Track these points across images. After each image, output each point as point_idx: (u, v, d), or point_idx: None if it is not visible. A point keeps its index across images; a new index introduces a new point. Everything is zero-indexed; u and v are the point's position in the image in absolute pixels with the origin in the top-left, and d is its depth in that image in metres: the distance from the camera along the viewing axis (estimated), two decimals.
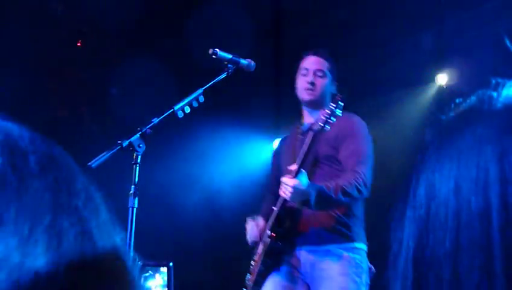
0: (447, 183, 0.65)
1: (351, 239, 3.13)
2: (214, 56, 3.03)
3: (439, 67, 5.21)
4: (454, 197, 0.64)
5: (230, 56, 3.12)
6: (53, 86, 7.69)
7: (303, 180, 2.96)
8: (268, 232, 3.12)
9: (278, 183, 3.18)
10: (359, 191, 3.02)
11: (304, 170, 2.99)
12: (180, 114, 2.80)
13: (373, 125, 3.51)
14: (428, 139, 0.71)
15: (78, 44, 8.32)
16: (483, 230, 0.60)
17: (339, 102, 3.06)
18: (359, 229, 3.20)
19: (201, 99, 2.90)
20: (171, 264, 2.01)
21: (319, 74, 3.43)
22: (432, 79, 5.26)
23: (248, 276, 3.22)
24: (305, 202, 3.00)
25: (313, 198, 2.95)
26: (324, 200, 2.98)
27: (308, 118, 3.47)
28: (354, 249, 3.14)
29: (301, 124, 3.51)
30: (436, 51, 5.26)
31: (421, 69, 5.28)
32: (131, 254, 2.54)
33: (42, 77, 7.56)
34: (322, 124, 3.02)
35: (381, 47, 5.47)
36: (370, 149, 3.23)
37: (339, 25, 5.77)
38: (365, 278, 3.12)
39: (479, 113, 0.68)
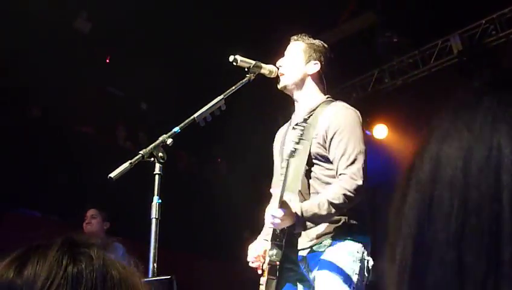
0: (455, 162, 0.59)
1: (342, 233, 3.03)
2: (234, 63, 2.99)
3: None
4: (463, 177, 0.58)
5: (252, 62, 3.07)
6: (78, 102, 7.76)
7: (287, 208, 2.86)
8: (268, 256, 3.04)
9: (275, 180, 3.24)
10: (349, 198, 2.91)
11: (287, 196, 2.89)
12: (202, 123, 2.76)
13: None
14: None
15: (107, 61, 8.45)
16: (493, 214, 0.54)
17: (305, 121, 2.98)
18: (354, 221, 3.07)
19: (224, 107, 2.86)
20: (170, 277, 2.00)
21: (288, 57, 3.28)
22: None
23: None
24: (294, 226, 2.95)
25: (300, 222, 2.90)
26: (313, 219, 2.91)
27: (296, 105, 3.33)
28: (346, 242, 3.03)
29: (294, 113, 3.38)
30: None
31: None
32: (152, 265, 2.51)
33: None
34: (291, 151, 2.91)
35: None
36: (359, 142, 3.06)
37: None
38: (361, 270, 3.02)
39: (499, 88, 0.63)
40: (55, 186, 7.07)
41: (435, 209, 0.59)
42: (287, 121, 3.48)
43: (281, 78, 3.24)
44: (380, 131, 7.95)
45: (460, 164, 0.59)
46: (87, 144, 7.87)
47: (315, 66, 3.26)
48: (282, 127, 3.51)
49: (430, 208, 0.59)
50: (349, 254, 3.01)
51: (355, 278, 2.99)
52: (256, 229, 3.47)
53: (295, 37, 3.33)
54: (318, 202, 2.91)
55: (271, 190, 3.02)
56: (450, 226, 0.57)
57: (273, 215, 2.86)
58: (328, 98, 3.28)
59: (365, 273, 3.06)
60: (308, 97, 3.26)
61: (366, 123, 8.23)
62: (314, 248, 3.06)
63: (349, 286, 2.96)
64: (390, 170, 7.37)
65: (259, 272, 3.16)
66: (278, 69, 3.23)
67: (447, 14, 7.27)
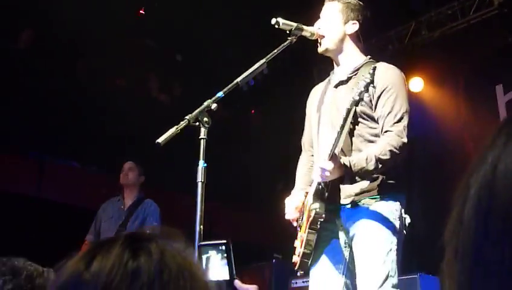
0: (510, 186, 0.60)
1: (381, 190, 3.08)
2: (276, 26, 2.99)
3: None
4: None
5: (294, 25, 3.07)
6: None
7: (336, 161, 2.94)
8: (313, 209, 3.09)
9: (310, 138, 3.33)
10: (395, 154, 2.98)
11: (337, 150, 2.95)
12: (245, 87, 2.79)
13: None
14: None
15: (141, 11, 8.43)
16: None
17: (370, 72, 2.98)
18: (392, 180, 3.12)
19: (266, 71, 2.88)
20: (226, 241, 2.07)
21: (325, 18, 3.27)
22: None
23: (296, 252, 3.20)
24: (340, 179, 3.03)
25: (348, 176, 3.00)
26: (361, 173, 3.00)
27: (336, 67, 3.35)
28: (385, 201, 3.08)
29: (333, 72, 3.39)
30: None
31: None
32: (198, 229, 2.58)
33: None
34: (355, 100, 2.94)
35: None
36: (405, 103, 3.11)
37: None
38: (399, 228, 3.08)
39: None
40: (94, 138, 7.20)
41: (489, 240, 0.59)
42: (321, 75, 3.50)
43: (321, 41, 3.26)
44: (416, 84, 7.84)
45: None
46: (123, 96, 7.95)
47: (354, 26, 3.28)
48: (317, 86, 3.53)
49: (485, 238, 0.60)
50: (389, 213, 3.06)
51: (396, 236, 3.05)
52: (290, 181, 3.53)
53: None
54: (366, 157, 2.98)
55: (315, 145, 3.06)
56: (505, 260, 0.57)
57: (322, 167, 2.93)
58: (370, 58, 3.30)
59: (403, 230, 3.13)
60: (349, 57, 3.27)
61: None
62: (353, 205, 3.11)
63: (391, 243, 3.02)
64: (426, 123, 7.33)
65: (295, 224, 3.22)
66: (318, 31, 3.23)
67: None
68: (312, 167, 3.36)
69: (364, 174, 3.00)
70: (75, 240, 5.51)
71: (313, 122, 3.37)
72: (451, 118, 7.54)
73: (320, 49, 3.28)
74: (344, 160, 2.98)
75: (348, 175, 3.00)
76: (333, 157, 2.93)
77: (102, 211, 5.75)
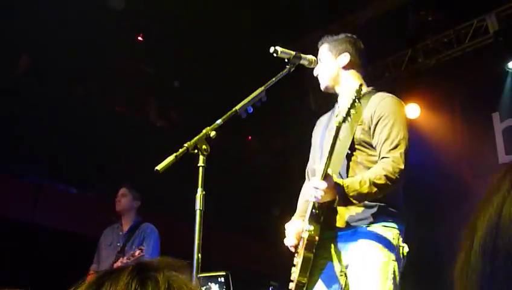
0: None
1: (378, 218, 3.06)
2: (275, 54, 3.01)
3: None
4: None
5: (292, 53, 3.09)
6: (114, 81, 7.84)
7: (329, 181, 2.93)
8: (306, 230, 3.07)
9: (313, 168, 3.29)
10: (390, 180, 2.95)
11: (330, 170, 2.95)
12: (243, 114, 2.80)
13: None
14: None
15: (140, 38, 8.48)
16: None
17: (358, 91, 2.98)
18: (390, 208, 3.10)
19: (264, 98, 2.89)
20: (226, 273, 2.05)
21: (320, 61, 3.38)
22: None
23: (292, 278, 3.17)
24: (334, 202, 2.99)
25: (341, 197, 2.94)
26: (354, 196, 2.95)
27: (339, 99, 3.40)
28: (382, 228, 3.06)
29: (337, 103, 3.45)
30: None
31: None
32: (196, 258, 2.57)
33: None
34: (342, 117, 2.95)
35: None
36: (402, 129, 3.10)
37: None
38: (395, 256, 3.04)
39: None
40: (92, 164, 7.20)
41: (495, 280, 0.60)
42: (318, 103, 3.55)
43: (320, 82, 3.38)
44: (413, 110, 7.89)
45: None
46: (121, 122, 7.97)
47: (345, 58, 3.35)
48: (322, 116, 3.57)
49: (492, 278, 0.61)
50: (386, 242, 3.03)
51: (392, 265, 3.02)
52: (287, 207, 3.52)
53: (319, 43, 3.44)
54: (360, 180, 2.96)
55: (314, 166, 3.07)
56: None
57: (315, 187, 2.92)
58: (372, 88, 3.33)
59: (401, 259, 3.10)
60: (348, 88, 3.29)
61: None
62: (350, 232, 3.09)
63: (387, 273, 2.99)
64: (422, 150, 7.35)
65: (293, 250, 3.20)
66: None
67: None
68: None
69: (358, 197, 2.97)
70: (72, 267, 5.48)
71: (316, 152, 3.39)
72: (448, 145, 7.57)
73: (322, 88, 3.39)
74: (338, 180, 2.97)
75: (341, 197, 2.95)
76: (326, 177, 2.92)
77: (104, 238, 5.74)
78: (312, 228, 3.05)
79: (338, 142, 3.07)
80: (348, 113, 2.95)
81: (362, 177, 2.98)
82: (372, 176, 2.97)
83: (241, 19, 7.24)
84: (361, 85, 3.05)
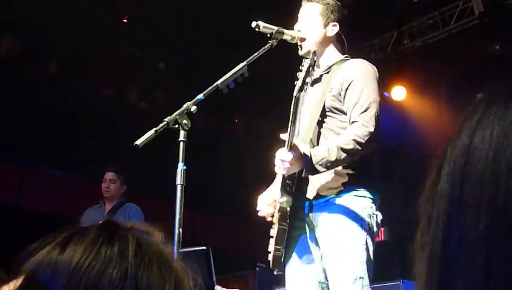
0: (487, 151, 0.60)
1: (349, 187, 3.01)
2: (256, 29, 2.99)
3: None
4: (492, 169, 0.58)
5: (275, 28, 3.07)
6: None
7: (296, 151, 2.88)
8: (278, 202, 3.02)
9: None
10: (360, 144, 2.90)
11: (297, 140, 2.91)
12: (225, 90, 2.78)
13: None
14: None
15: (124, 20, 8.40)
16: None
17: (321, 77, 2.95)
18: (361, 176, 3.06)
19: (246, 74, 2.87)
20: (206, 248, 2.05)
21: (305, 21, 3.24)
22: None
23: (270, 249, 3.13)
24: (303, 171, 2.94)
25: (309, 166, 2.88)
26: (323, 164, 2.89)
27: (316, 68, 3.26)
28: (353, 197, 3.01)
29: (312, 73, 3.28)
30: None
31: None
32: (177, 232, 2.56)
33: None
34: (299, 86, 2.92)
35: None
36: (373, 92, 3.05)
37: None
38: (368, 226, 2.99)
39: None
40: (75, 146, 7.15)
41: (464, 205, 0.59)
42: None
43: (302, 44, 3.23)
44: (399, 93, 7.90)
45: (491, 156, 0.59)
46: (105, 104, 7.91)
47: (334, 28, 3.26)
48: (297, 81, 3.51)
49: (460, 202, 0.59)
50: (358, 209, 2.98)
51: (365, 234, 2.96)
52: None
53: None
54: (328, 147, 2.91)
55: (281, 135, 2.99)
56: (479, 224, 0.57)
57: (282, 159, 2.88)
58: (346, 56, 3.29)
59: (374, 227, 3.04)
60: (327, 57, 3.27)
61: (385, 85, 8.16)
62: (321, 201, 3.05)
63: (359, 243, 2.94)
64: (408, 131, 7.38)
65: (268, 220, 3.16)
66: (298, 32, 3.22)
67: None
68: None
69: (327, 164, 2.90)
70: None
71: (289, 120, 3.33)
72: (434, 126, 7.59)
73: (301, 52, 3.23)
74: (304, 149, 2.90)
75: (309, 167, 2.89)
76: (292, 147, 2.87)
77: (85, 217, 5.70)
78: (284, 199, 3.01)
79: (309, 108, 3.05)
80: (304, 82, 2.93)
81: (330, 144, 2.94)
82: (340, 141, 2.91)
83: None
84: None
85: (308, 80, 3.08)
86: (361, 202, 3.00)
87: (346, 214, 2.97)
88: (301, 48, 3.22)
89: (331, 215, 3.00)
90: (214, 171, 8.03)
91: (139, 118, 7.66)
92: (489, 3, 7.19)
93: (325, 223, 3.01)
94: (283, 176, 3.03)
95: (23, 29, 7.29)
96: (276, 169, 3.02)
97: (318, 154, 2.89)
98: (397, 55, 7.96)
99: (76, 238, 0.84)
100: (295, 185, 3.03)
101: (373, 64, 3.27)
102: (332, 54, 3.27)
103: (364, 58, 3.35)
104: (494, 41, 7.12)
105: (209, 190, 7.87)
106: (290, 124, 2.91)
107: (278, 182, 3.20)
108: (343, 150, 2.88)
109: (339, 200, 3.01)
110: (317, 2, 3.26)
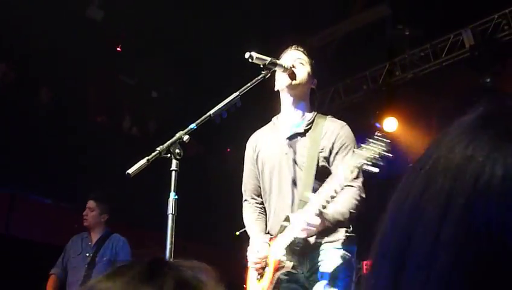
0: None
1: (344, 243, 3.21)
2: (250, 60, 3.00)
3: None
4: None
5: (268, 59, 3.08)
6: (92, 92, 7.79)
7: (322, 219, 3.05)
8: (288, 264, 3.17)
9: (257, 187, 3.41)
10: (357, 208, 3.15)
11: (321, 207, 3.04)
12: (217, 119, 2.78)
13: None
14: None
15: (118, 49, 8.45)
16: None
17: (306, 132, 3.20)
18: (353, 233, 3.27)
19: (239, 104, 2.87)
20: None
21: (303, 63, 3.35)
22: None
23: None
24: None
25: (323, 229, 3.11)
26: (332, 224, 3.13)
27: (285, 113, 3.42)
28: (344, 252, 3.20)
29: (277, 117, 3.49)
30: None
31: None
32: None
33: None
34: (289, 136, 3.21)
35: None
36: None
37: None
38: (351, 273, 3.24)
39: None
40: (65, 174, 7.10)
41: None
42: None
43: (297, 74, 3.29)
44: (390, 124, 7.94)
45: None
46: (98, 132, 7.89)
47: (315, 81, 3.45)
48: (260, 131, 3.59)
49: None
50: (346, 263, 3.18)
51: (346, 282, 3.17)
52: None
53: (301, 49, 3.43)
54: (342, 212, 3.13)
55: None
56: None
57: (310, 223, 3.01)
58: (317, 113, 3.43)
59: (353, 275, 3.28)
60: (304, 108, 3.38)
61: (376, 116, 8.21)
62: (315, 252, 3.19)
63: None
64: (399, 163, 7.38)
65: (258, 273, 3.22)
66: (293, 66, 3.25)
67: (459, 7, 7.23)
68: (260, 214, 3.42)
69: (333, 224, 3.14)
70: (46, 278, 5.40)
71: (265, 171, 3.39)
72: None
73: (294, 81, 3.28)
74: (326, 215, 3.07)
75: (323, 229, 3.11)
76: (320, 214, 3.01)
77: (71, 244, 5.60)
78: (294, 260, 3.16)
79: (298, 168, 3.26)
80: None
81: (342, 210, 3.12)
82: (348, 206, 3.13)
83: (215, 28, 7.25)
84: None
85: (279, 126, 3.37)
86: (349, 257, 3.23)
87: (338, 268, 3.18)
88: (294, 76, 3.28)
89: (325, 267, 3.19)
90: (210, 202, 7.98)
91: (131, 146, 7.65)
92: (479, 37, 7.29)
93: (318, 273, 3.18)
94: (294, 238, 3.13)
95: (15, 57, 7.30)
96: (296, 232, 3.08)
97: (333, 220, 3.11)
98: (389, 87, 8.02)
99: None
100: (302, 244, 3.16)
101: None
102: (309, 105, 3.43)
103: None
104: (485, 74, 7.20)
105: (201, 221, 7.83)
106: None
107: (257, 233, 3.33)
108: (350, 214, 3.13)
109: (331, 254, 3.21)
110: (308, 56, 3.41)
